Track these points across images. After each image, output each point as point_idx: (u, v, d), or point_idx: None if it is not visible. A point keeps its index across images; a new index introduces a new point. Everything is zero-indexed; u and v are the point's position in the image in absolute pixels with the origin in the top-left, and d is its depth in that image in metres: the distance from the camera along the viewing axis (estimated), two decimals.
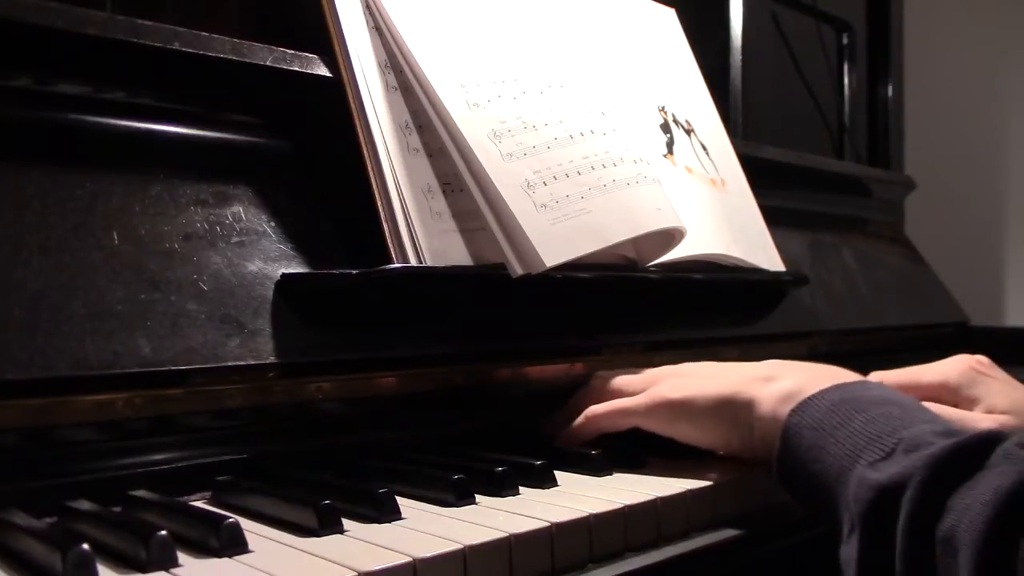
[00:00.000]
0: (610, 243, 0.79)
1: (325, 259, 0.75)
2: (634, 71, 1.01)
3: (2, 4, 0.62)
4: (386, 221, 0.74)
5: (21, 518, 0.55)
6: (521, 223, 0.74)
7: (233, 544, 0.51)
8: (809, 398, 0.65)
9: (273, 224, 0.74)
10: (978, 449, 0.54)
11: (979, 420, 0.77)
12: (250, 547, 0.51)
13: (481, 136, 0.77)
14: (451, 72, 0.79)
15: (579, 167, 0.80)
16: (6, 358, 0.57)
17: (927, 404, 0.78)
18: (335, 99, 0.76)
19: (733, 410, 0.70)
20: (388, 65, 0.78)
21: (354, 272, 0.70)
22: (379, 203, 0.74)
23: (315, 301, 0.72)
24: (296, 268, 0.73)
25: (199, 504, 0.64)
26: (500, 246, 0.75)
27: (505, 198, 0.75)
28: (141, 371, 0.62)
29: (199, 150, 0.73)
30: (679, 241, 0.88)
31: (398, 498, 0.59)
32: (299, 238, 0.75)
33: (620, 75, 0.99)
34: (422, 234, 0.74)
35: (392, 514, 0.57)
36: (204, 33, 0.72)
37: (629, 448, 0.74)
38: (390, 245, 0.73)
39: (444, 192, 0.77)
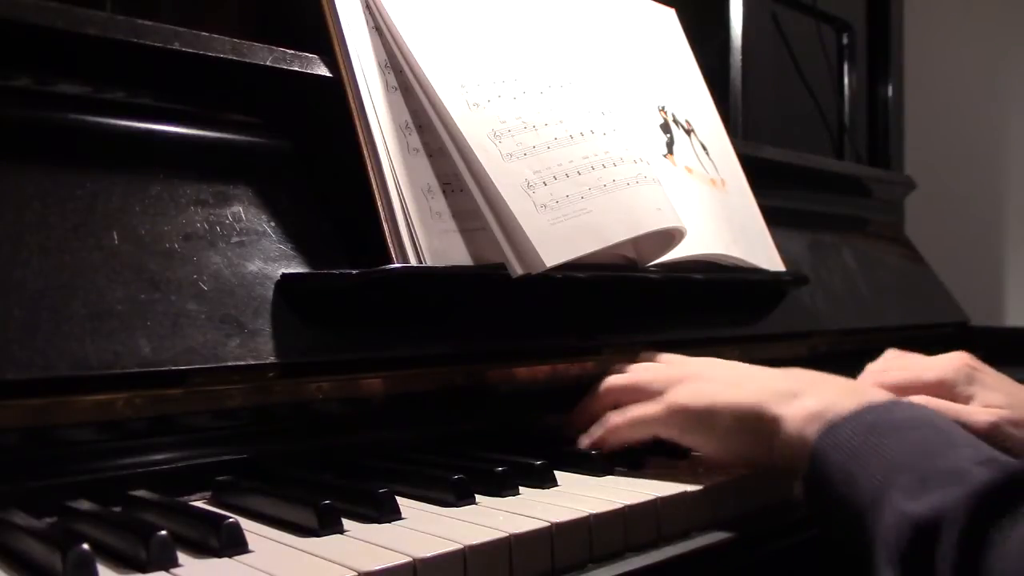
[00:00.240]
0: (610, 243, 0.79)
1: (325, 259, 0.75)
2: (634, 71, 1.01)
3: (2, 4, 0.62)
4: (386, 221, 0.74)
5: (21, 518, 0.55)
6: (521, 223, 0.74)
7: (233, 544, 0.51)
8: (839, 419, 0.63)
9: (273, 224, 0.74)
10: (1022, 480, 0.51)
11: (975, 414, 0.77)
12: (250, 547, 0.51)
13: (481, 136, 0.77)
14: (451, 72, 0.79)
15: (579, 167, 0.80)
16: (6, 358, 0.57)
17: (924, 398, 0.78)
18: (335, 99, 0.76)
19: (756, 426, 0.67)
20: (388, 65, 0.78)
21: (354, 272, 0.70)
22: (379, 203, 0.74)
23: (315, 301, 0.72)
24: (296, 268, 0.73)
25: (199, 504, 0.64)
26: (500, 246, 0.75)
27: (505, 198, 0.75)
28: (141, 371, 0.62)
29: (199, 150, 0.73)
30: (679, 241, 0.88)
31: (398, 498, 0.59)
32: (299, 238, 0.75)
33: (620, 75, 0.99)
34: (422, 234, 0.74)
35: (392, 514, 0.57)
36: (204, 33, 0.72)
37: (629, 448, 0.74)
38: (390, 245, 0.73)
39: (444, 192, 0.77)
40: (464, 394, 0.81)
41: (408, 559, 0.49)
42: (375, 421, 0.76)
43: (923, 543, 0.52)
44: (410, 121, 0.77)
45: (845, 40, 1.64)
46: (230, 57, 0.73)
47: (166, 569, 0.48)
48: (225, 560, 0.50)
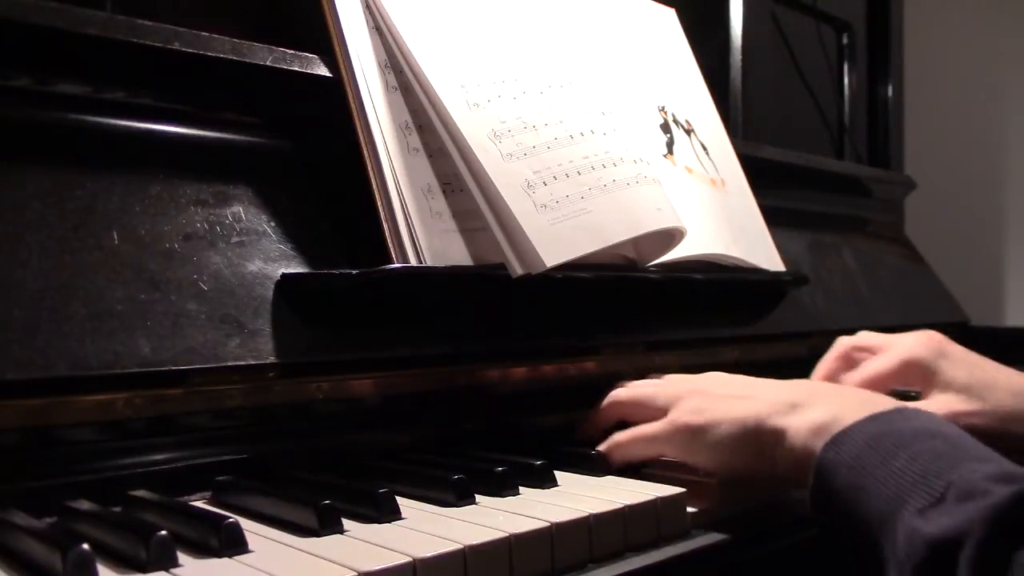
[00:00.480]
0: (610, 243, 0.79)
1: (325, 259, 0.75)
2: (634, 71, 1.01)
3: (2, 4, 0.62)
4: (386, 221, 0.74)
5: (21, 518, 0.55)
6: (521, 223, 0.74)
7: (233, 544, 0.51)
8: (845, 431, 0.61)
9: (273, 224, 0.74)
10: None
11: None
12: (250, 547, 0.51)
13: (481, 136, 0.77)
14: (451, 72, 0.79)
15: (579, 167, 0.80)
16: (6, 358, 0.57)
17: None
18: (335, 99, 0.76)
19: (759, 440, 0.66)
20: (388, 65, 0.78)
21: (354, 272, 0.70)
22: (379, 203, 0.74)
23: (315, 301, 0.72)
24: (296, 268, 0.73)
25: (199, 504, 0.64)
26: (500, 246, 0.75)
27: (505, 198, 0.75)
28: (141, 371, 0.62)
29: (199, 150, 0.73)
30: (679, 241, 0.88)
31: (398, 498, 0.59)
32: (299, 238, 0.75)
33: (620, 75, 0.99)
34: (422, 234, 0.74)
35: (392, 514, 0.57)
36: (204, 33, 0.72)
37: None
38: (390, 245, 0.73)
39: (444, 192, 0.77)
40: (464, 394, 0.81)
41: (408, 559, 0.49)
42: (375, 421, 0.76)
43: (939, 564, 0.50)
44: (410, 121, 0.77)
45: (845, 40, 1.64)
46: (230, 57, 0.73)
47: (166, 569, 0.48)
48: (225, 560, 0.50)
